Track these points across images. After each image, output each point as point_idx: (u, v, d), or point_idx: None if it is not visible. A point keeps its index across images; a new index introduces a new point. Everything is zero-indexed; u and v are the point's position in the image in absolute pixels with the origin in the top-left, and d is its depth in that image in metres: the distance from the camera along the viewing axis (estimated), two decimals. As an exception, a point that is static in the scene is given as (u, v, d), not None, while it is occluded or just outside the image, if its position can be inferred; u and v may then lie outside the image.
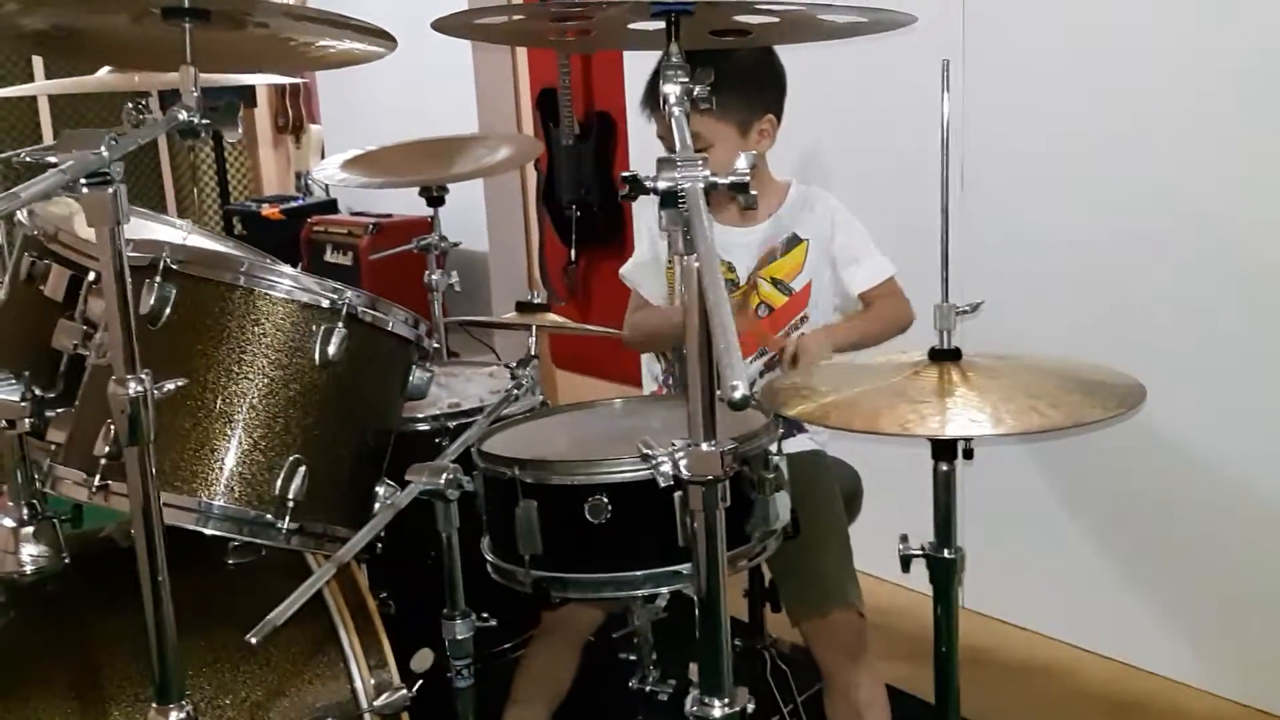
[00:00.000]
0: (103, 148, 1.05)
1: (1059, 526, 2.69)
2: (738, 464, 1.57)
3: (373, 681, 1.64)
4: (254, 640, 1.21)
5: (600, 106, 3.99)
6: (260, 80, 4.32)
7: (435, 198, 2.69)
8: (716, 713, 1.14)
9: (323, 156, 5.53)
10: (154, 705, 1.17)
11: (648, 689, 1.88)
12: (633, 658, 1.90)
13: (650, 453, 1.10)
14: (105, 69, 2.25)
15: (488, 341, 3.13)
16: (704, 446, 1.10)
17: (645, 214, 2.17)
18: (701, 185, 1.05)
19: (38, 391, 1.54)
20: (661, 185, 1.06)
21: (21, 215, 1.82)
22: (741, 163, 1.07)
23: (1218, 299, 2.31)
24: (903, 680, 2.22)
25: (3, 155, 2.04)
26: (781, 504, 1.67)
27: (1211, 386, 2.35)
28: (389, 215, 4.36)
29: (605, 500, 1.55)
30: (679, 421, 1.63)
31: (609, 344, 2.24)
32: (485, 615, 1.54)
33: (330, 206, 4.92)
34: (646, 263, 2.14)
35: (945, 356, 1.44)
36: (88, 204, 1.06)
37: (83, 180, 1.06)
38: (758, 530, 1.63)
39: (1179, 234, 2.35)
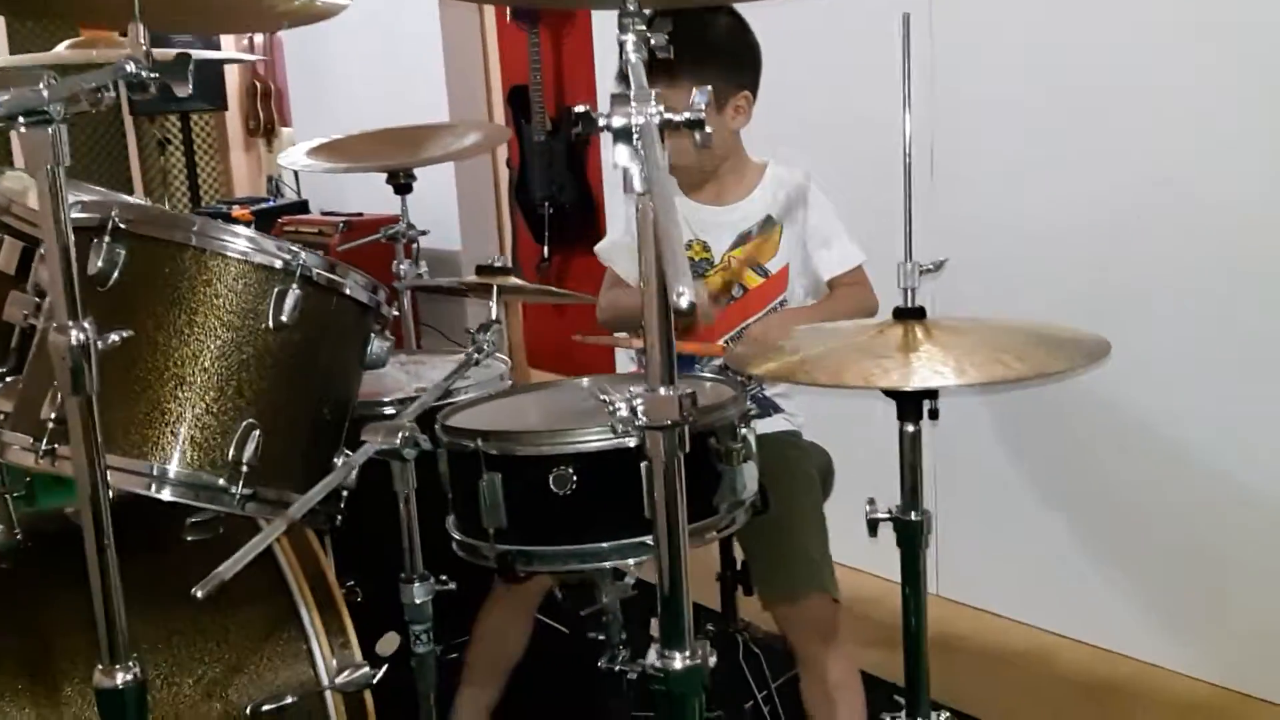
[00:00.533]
0: (41, 86, 1.03)
1: (1033, 513, 2.68)
2: (702, 431, 1.59)
3: (334, 660, 1.61)
4: (200, 594, 1.17)
5: (571, 102, 3.98)
6: (227, 57, 4.30)
7: (403, 185, 2.67)
8: (677, 665, 1.11)
9: (295, 160, 5.50)
10: (99, 666, 1.13)
11: (617, 668, 1.85)
12: (601, 637, 1.87)
13: (606, 398, 1.08)
14: (64, 44, 2.22)
15: (461, 342, 3.11)
16: (662, 391, 1.07)
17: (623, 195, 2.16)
18: (656, 121, 1.03)
19: (-14, 361, 1.51)
20: (615, 122, 1.04)
21: (-24, 189, 1.79)
22: (697, 98, 1.05)
23: (1199, 276, 2.29)
24: (874, 666, 2.19)
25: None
26: (749, 475, 1.66)
27: (1189, 368, 2.34)
28: (360, 214, 4.33)
29: (570, 471, 1.53)
30: None
31: (585, 343, 2.22)
32: (444, 578, 1.51)
33: (301, 207, 4.89)
34: (621, 242, 2.13)
35: (910, 315, 1.42)
36: (26, 143, 1.03)
37: (21, 119, 1.03)
38: (725, 502, 1.62)
39: (1160, 206, 2.33)
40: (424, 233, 2.73)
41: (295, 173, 5.39)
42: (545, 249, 4.09)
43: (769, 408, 2.05)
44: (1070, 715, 2.38)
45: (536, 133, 4.01)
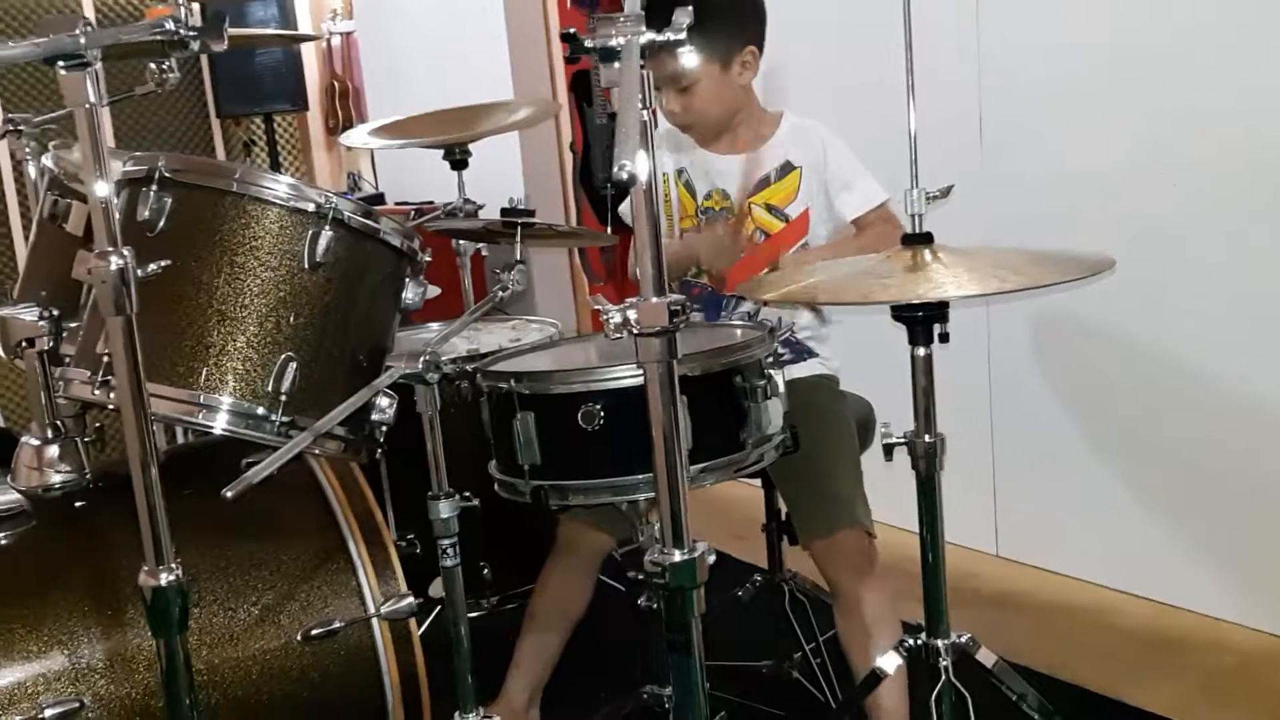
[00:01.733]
0: (77, 32, 1.12)
1: (1091, 472, 2.67)
2: (728, 369, 1.64)
3: (380, 590, 1.70)
4: (229, 495, 1.27)
5: (632, 84, 4.04)
6: (298, 34, 4.47)
7: (458, 160, 2.75)
8: (676, 558, 1.17)
9: (372, 156, 5.67)
10: (144, 568, 1.23)
11: (655, 606, 1.91)
12: (640, 576, 1.93)
13: (601, 308, 1.14)
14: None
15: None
16: (653, 300, 1.13)
17: None
18: (639, 41, 1.09)
19: (54, 312, 1.62)
20: (600, 44, 1.10)
21: (48, 160, 1.92)
22: (680, 18, 1.10)
23: (1266, 228, 2.25)
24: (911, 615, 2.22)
25: None
26: (774, 411, 1.70)
27: (1244, 320, 2.31)
28: (430, 202, 4.46)
29: (598, 407, 1.59)
30: (680, 342, 1.68)
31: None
32: (467, 494, 1.59)
33: (378, 199, 5.04)
34: None
35: (918, 240, 1.45)
36: (65, 83, 1.13)
37: (60, 63, 1.13)
38: (751, 438, 1.66)
39: (1204, 150, 2.32)
40: (481, 206, 2.82)
41: (374, 168, 5.56)
42: (609, 229, 4.16)
43: (803, 353, 2.09)
44: (1134, 669, 2.37)
45: (598, 116, 4.09)
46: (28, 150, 2.12)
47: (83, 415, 1.83)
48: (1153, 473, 2.57)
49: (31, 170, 2.09)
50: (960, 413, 2.85)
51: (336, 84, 5.57)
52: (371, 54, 5.42)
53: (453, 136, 2.70)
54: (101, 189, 1.17)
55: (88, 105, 1.15)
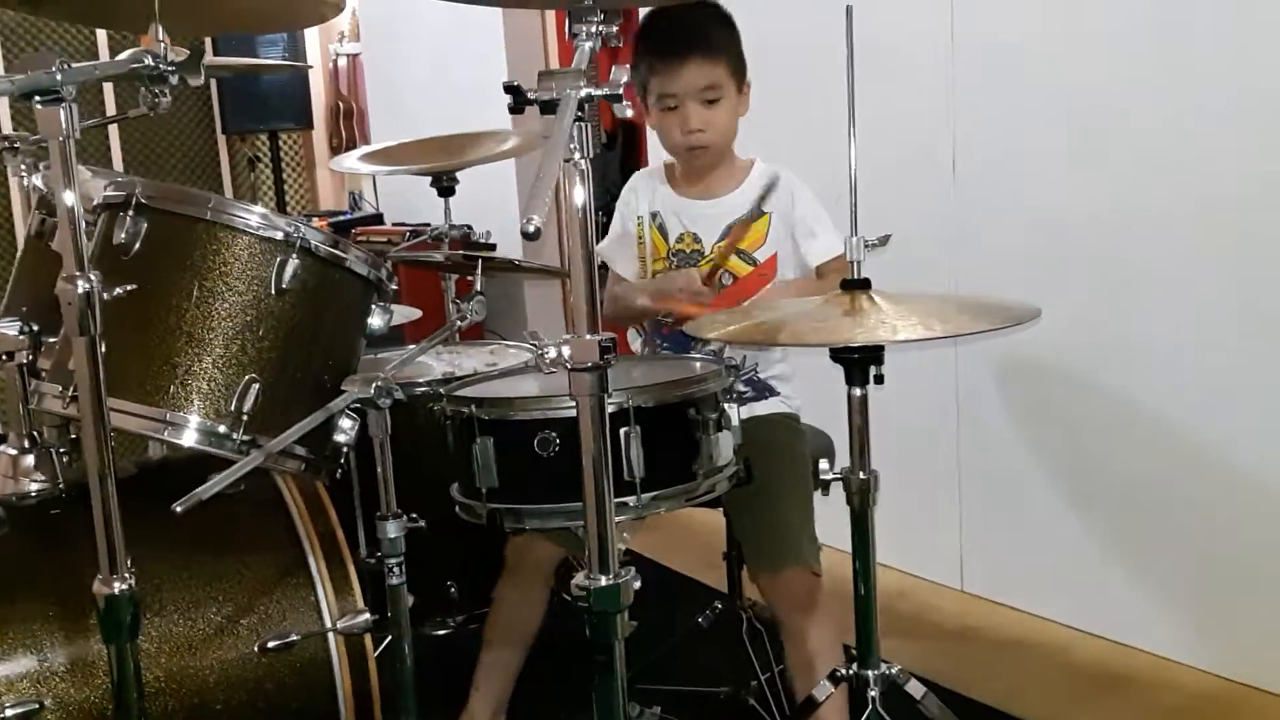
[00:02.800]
0: (54, 69, 1.20)
1: (1051, 512, 2.72)
2: (683, 402, 1.70)
3: (338, 605, 1.76)
4: (178, 509, 1.33)
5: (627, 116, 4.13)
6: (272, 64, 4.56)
7: (445, 187, 2.83)
8: (601, 583, 1.23)
9: (374, 177, 5.77)
10: (99, 577, 1.29)
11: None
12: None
13: (537, 343, 1.21)
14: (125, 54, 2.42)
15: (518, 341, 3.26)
16: (586, 336, 1.20)
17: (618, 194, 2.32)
18: (578, 95, 1.16)
19: (34, 327, 1.70)
20: (542, 96, 1.17)
21: (38, 180, 2.00)
22: (617, 75, 1.17)
23: (1226, 273, 2.31)
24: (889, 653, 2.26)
25: None
26: (725, 444, 1.76)
27: (1202, 365, 2.37)
28: (427, 224, 4.54)
29: (554, 435, 1.65)
30: (640, 374, 1.77)
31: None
32: (414, 515, 1.65)
33: (377, 219, 5.13)
34: (618, 240, 2.26)
35: (856, 286, 1.52)
36: (42, 117, 1.21)
37: (37, 98, 1.20)
38: (702, 469, 1.72)
39: (1164, 196, 2.37)
40: (467, 230, 2.90)
41: (375, 188, 5.65)
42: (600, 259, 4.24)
43: (765, 390, 2.15)
44: (1082, 705, 2.42)
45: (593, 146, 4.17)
46: (23, 168, 2.20)
47: (66, 426, 1.90)
48: (1112, 514, 2.62)
49: (27, 185, 2.17)
50: (928, 450, 2.93)
51: (341, 104, 5.68)
52: (376, 77, 5.52)
53: (439, 164, 2.77)
54: (70, 216, 1.24)
55: (61, 138, 1.22)
